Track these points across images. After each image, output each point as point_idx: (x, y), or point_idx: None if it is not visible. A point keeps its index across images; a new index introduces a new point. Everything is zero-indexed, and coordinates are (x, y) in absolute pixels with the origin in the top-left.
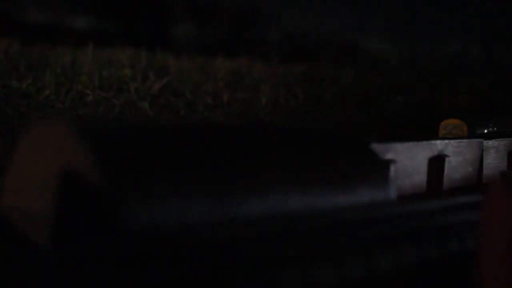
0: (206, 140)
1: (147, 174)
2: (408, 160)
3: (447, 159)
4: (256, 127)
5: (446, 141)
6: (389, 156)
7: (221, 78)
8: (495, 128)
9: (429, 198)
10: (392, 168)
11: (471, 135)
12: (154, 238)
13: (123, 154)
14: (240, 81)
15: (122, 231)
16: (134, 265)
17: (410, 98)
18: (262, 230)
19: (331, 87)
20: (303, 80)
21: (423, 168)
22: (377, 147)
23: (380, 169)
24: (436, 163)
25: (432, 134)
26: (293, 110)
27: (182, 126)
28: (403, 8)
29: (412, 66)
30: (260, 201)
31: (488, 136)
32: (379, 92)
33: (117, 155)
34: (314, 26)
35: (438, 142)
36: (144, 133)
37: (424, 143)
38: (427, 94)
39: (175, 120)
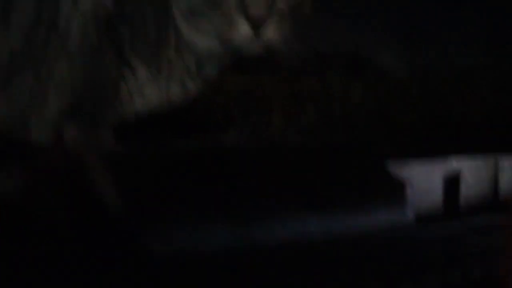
0: (224, 168)
1: (169, 204)
2: (424, 179)
3: (463, 178)
4: (271, 151)
5: (462, 159)
6: (405, 175)
7: (233, 95)
8: None
9: (447, 219)
10: (409, 187)
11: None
12: (178, 264)
13: (144, 184)
14: (251, 98)
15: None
16: None
17: (421, 112)
18: (279, 256)
19: (342, 103)
20: (314, 96)
21: (439, 186)
22: (393, 167)
23: (397, 189)
24: (452, 181)
25: (445, 150)
26: (305, 127)
27: (201, 153)
28: (411, 18)
29: (421, 78)
30: (280, 227)
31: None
32: (390, 107)
33: (138, 185)
34: (322, 38)
35: (454, 160)
36: (164, 162)
37: (440, 162)
38: (438, 108)
39: (189, 141)
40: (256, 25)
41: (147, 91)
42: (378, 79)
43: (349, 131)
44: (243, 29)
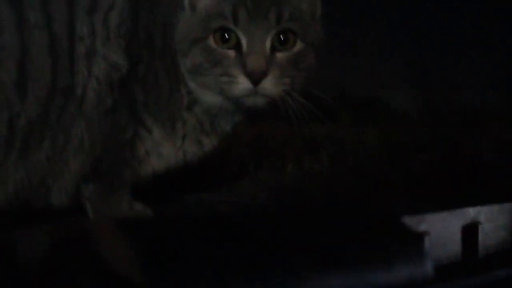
0: (243, 228)
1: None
2: (442, 230)
3: (480, 226)
4: (286, 207)
5: (479, 207)
6: (422, 227)
7: (246, 145)
8: None
9: (466, 270)
10: (427, 240)
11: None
12: None
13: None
14: (265, 146)
15: None
16: None
17: (434, 156)
18: None
19: (355, 148)
20: (327, 142)
21: (457, 236)
22: (410, 220)
23: (415, 243)
24: (470, 230)
25: (461, 195)
26: (318, 174)
27: (214, 220)
28: (422, 59)
29: (432, 119)
30: (299, 286)
31: None
32: (402, 150)
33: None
34: (332, 81)
35: (471, 209)
36: (179, 225)
37: (457, 211)
38: (450, 150)
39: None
40: (256, 80)
41: (163, 150)
42: (390, 122)
43: (363, 178)
44: (243, 85)
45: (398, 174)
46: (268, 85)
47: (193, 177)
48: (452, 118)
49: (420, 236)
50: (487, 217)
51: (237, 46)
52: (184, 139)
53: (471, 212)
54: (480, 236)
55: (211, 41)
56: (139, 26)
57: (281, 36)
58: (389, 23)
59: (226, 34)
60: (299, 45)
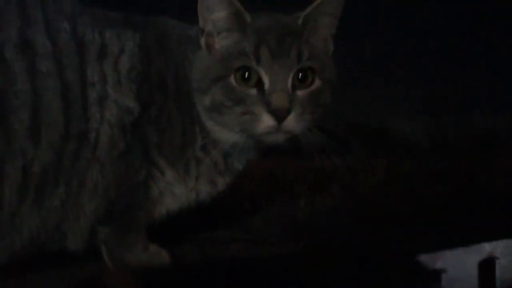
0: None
1: None
2: (459, 267)
3: (497, 261)
4: (299, 250)
5: (495, 242)
6: (439, 265)
7: (258, 180)
8: None
9: None
10: (444, 277)
11: None
12: None
13: None
14: (276, 182)
15: None
16: None
17: (446, 186)
18: None
19: (366, 180)
20: (338, 175)
21: (474, 272)
22: (426, 258)
23: (432, 282)
24: (487, 266)
25: (476, 228)
26: (331, 209)
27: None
28: (431, 87)
29: (444, 147)
30: None
31: None
32: (415, 181)
33: None
34: (342, 111)
35: (487, 244)
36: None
37: (473, 247)
38: (462, 179)
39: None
40: (280, 118)
41: (176, 191)
42: (402, 151)
43: (376, 212)
44: (267, 122)
45: (411, 207)
46: (292, 122)
47: (205, 213)
48: (464, 145)
49: (437, 274)
50: (504, 252)
51: (259, 85)
52: (197, 179)
53: (487, 248)
54: (497, 271)
55: (232, 80)
56: (151, 69)
57: (300, 74)
58: (398, 52)
59: (247, 73)
60: (317, 82)
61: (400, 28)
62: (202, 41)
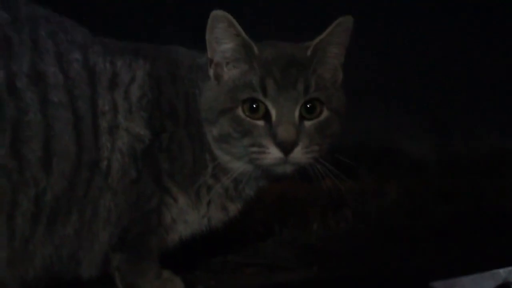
0: None
1: None
2: None
3: None
4: (312, 275)
5: (510, 268)
6: None
7: (270, 204)
8: None
9: None
10: None
11: None
12: None
13: None
14: (288, 206)
15: None
16: None
17: (457, 206)
18: None
19: (377, 203)
20: (349, 198)
21: None
22: (441, 284)
23: None
24: None
25: (491, 255)
26: (343, 232)
27: None
28: (438, 107)
29: (453, 167)
30: None
31: None
32: (424, 202)
33: None
34: (351, 133)
35: (502, 270)
36: None
37: (489, 273)
38: (473, 199)
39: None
40: (287, 150)
41: (188, 217)
42: (411, 172)
43: (388, 234)
44: (274, 154)
45: (423, 230)
46: (299, 154)
47: (218, 238)
48: (473, 165)
49: None
50: None
51: (266, 116)
52: (209, 205)
53: (502, 273)
54: None
55: (239, 112)
56: (161, 97)
57: (308, 106)
58: (407, 73)
59: (254, 105)
60: (325, 113)
61: (410, 48)
62: (211, 71)
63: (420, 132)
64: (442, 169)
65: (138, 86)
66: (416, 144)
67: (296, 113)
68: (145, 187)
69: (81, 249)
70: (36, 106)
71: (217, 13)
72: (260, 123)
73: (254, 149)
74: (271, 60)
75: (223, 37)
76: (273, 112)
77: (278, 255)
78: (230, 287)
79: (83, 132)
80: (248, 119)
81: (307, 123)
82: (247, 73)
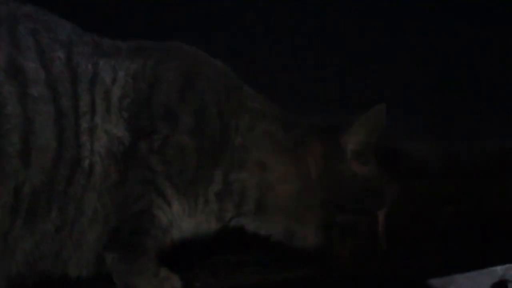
0: None
1: None
2: None
3: (509, 284)
4: (311, 273)
5: (507, 265)
6: None
7: None
8: None
9: None
10: None
11: None
12: None
13: None
14: None
15: None
16: None
17: (459, 207)
18: None
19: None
20: None
21: None
22: (438, 282)
23: None
24: None
25: (488, 251)
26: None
27: None
28: (440, 107)
29: (455, 169)
30: None
31: None
32: (426, 203)
33: None
34: None
35: (499, 268)
36: None
37: (486, 270)
38: (475, 201)
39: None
40: None
41: (183, 225)
42: (413, 173)
43: (389, 235)
44: None
45: (424, 229)
46: None
47: (216, 237)
48: (476, 167)
49: None
50: None
51: None
52: (206, 216)
53: (499, 271)
54: None
55: None
56: (153, 99)
57: None
58: (409, 73)
59: None
60: None
61: (412, 50)
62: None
63: (423, 134)
64: (444, 169)
65: (120, 87)
66: (419, 144)
67: None
68: (131, 189)
69: (65, 248)
70: (15, 99)
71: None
72: None
73: None
74: None
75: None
76: None
77: (278, 254)
78: (229, 286)
79: (65, 129)
80: None
81: None
82: None
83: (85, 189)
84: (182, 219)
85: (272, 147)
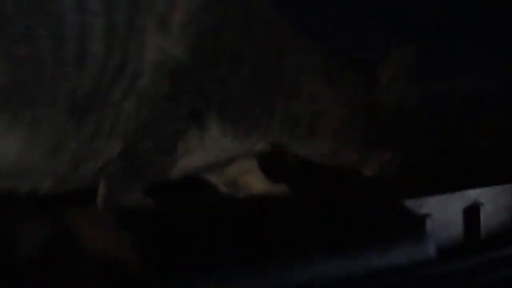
0: (243, 217)
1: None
2: (443, 213)
3: (482, 208)
4: (286, 194)
5: (480, 189)
6: (424, 210)
7: None
8: None
9: (468, 251)
10: (428, 222)
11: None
12: None
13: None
14: None
15: None
16: None
17: (433, 143)
18: None
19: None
20: None
21: (459, 218)
22: (411, 203)
23: (417, 225)
24: (471, 212)
25: (462, 181)
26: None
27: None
28: (418, 46)
29: (431, 107)
30: (298, 270)
31: None
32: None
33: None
34: None
35: (472, 191)
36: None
37: (458, 194)
38: (450, 137)
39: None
40: None
41: (223, 145)
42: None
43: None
44: None
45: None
46: None
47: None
48: (451, 106)
49: (421, 218)
50: (489, 199)
51: None
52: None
53: (472, 194)
54: (482, 218)
55: None
56: (222, 36)
57: None
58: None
59: None
60: None
61: None
62: None
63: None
64: (420, 107)
65: (185, 10)
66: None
67: None
68: (176, 106)
69: (86, 157)
70: (75, 11)
71: None
72: None
73: None
74: None
75: None
76: None
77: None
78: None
79: (115, 42)
80: None
81: None
82: None
83: (127, 94)
84: (222, 141)
85: (321, 78)
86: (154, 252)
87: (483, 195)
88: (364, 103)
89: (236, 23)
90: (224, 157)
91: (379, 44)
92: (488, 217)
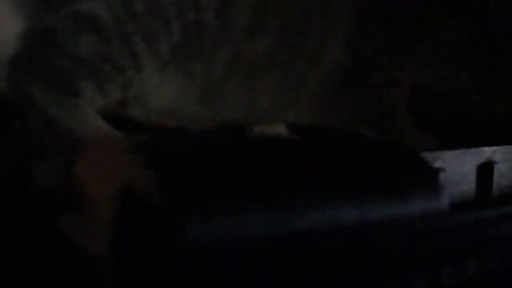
0: (262, 155)
1: (204, 191)
2: (457, 168)
3: (496, 166)
4: (306, 140)
5: (495, 147)
6: (438, 164)
7: None
8: None
9: (480, 207)
10: (442, 176)
11: None
12: (212, 256)
13: (178, 170)
14: None
15: (179, 250)
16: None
17: (448, 104)
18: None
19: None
20: None
21: (472, 175)
22: (426, 157)
23: (431, 178)
24: (485, 170)
25: (478, 138)
26: None
27: (237, 142)
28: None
29: None
30: (316, 215)
31: None
32: (417, 100)
33: (172, 171)
34: None
35: (487, 148)
36: (199, 148)
37: (472, 150)
38: (463, 99)
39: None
40: None
41: None
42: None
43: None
44: None
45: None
46: None
47: None
48: None
49: (435, 172)
50: (503, 158)
51: None
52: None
53: (487, 152)
54: (495, 176)
55: None
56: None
57: None
58: None
59: None
60: None
61: None
62: None
63: None
64: None
65: None
66: None
67: None
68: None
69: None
70: None
71: None
72: None
73: None
74: None
75: None
76: None
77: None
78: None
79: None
80: None
81: None
82: None
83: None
84: None
85: None
86: (172, 182)
87: (497, 154)
88: None
89: None
90: None
91: None
92: (501, 176)
